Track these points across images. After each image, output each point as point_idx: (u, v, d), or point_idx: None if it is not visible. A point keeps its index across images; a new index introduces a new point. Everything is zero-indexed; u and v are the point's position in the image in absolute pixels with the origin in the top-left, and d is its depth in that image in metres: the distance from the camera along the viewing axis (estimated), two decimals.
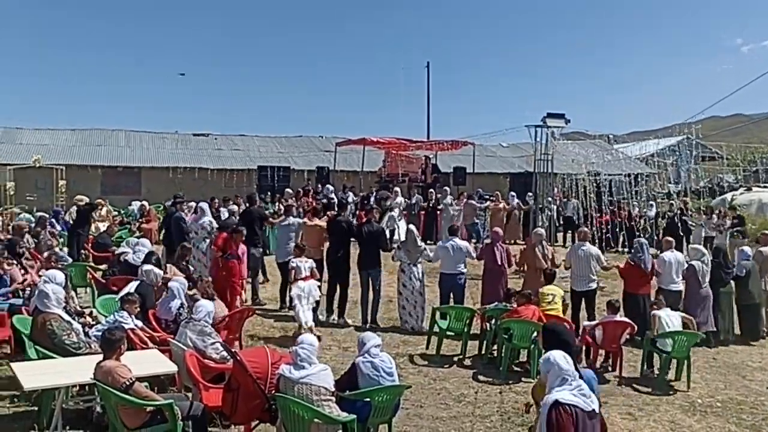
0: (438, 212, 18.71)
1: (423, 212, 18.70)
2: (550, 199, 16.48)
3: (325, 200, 16.82)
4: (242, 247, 9.82)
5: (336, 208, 11.72)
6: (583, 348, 8.32)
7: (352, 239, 10.36)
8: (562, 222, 18.72)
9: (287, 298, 10.15)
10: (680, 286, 9.66)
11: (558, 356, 4.30)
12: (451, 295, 9.78)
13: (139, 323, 6.85)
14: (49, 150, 26.08)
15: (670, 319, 8.15)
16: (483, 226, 18.16)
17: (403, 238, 10.63)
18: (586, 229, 11.36)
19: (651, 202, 17.78)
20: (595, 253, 9.70)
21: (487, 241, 12.22)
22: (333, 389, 5.02)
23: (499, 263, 9.91)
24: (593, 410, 4.08)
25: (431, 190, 19.85)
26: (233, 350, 5.63)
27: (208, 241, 11.25)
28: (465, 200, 18.89)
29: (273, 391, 5.01)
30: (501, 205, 19.04)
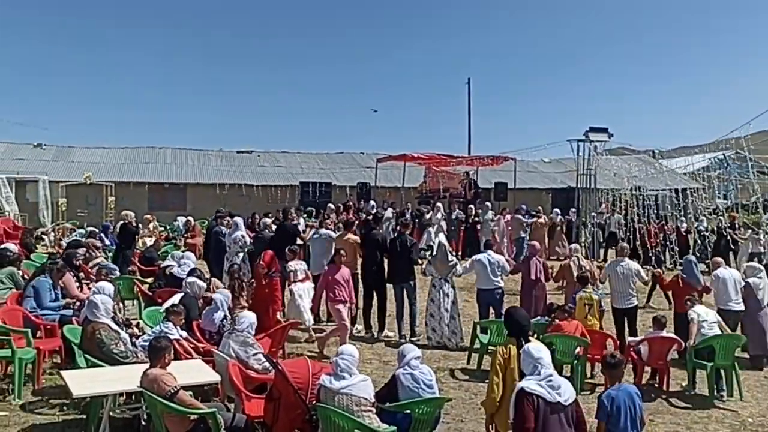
0: (478, 228, 18.65)
1: (462, 228, 18.65)
2: (594, 214, 16.23)
3: (366, 216, 16.92)
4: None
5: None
6: (630, 364, 8.16)
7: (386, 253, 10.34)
8: (604, 237, 18.45)
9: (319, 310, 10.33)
10: (740, 305, 9.08)
11: (533, 346, 4.65)
12: (491, 310, 9.68)
13: (184, 333, 7.00)
14: (99, 168, 26.88)
15: (707, 315, 7.94)
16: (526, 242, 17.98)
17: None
18: (625, 244, 11.09)
19: (702, 217, 17.31)
20: (635, 269, 9.38)
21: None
22: (373, 400, 5.04)
23: (534, 277, 9.83)
24: (558, 402, 4.28)
25: (470, 205, 19.80)
26: (275, 361, 5.69)
27: (241, 255, 11.42)
28: (510, 215, 18.80)
29: (314, 402, 5.05)
30: (542, 220, 18.87)
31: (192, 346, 6.92)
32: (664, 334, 8.05)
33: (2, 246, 10.46)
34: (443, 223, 17.93)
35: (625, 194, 16.53)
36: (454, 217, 19.26)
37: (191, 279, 8.29)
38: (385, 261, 10.34)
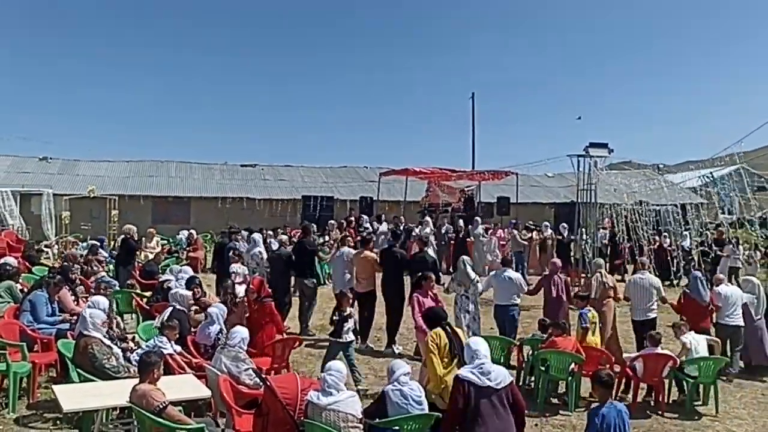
0: (468, 243, 18.70)
1: (453, 242, 18.68)
2: (592, 230, 16.22)
3: (363, 231, 17.00)
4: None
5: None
6: (623, 381, 8.16)
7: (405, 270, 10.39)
8: (605, 252, 18.46)
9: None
10: (738, 320, 9.43)
11: (473, 340, 5.41)
12: (505, 326, 9.64)
13: (178, 348, 7.03)
14: (103, 181, 27.06)
15: (698, 342, 8.05)
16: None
17: None
18: (645, 258, 11.17)
19: (685, 233, 17.41)
20: (656, 283, 9.58)
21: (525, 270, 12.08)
22: (361, 416, 5.05)
23: (555, 294, 9.82)
24: (489, 387, 4.89)
25: (460, 220, 19.89)
26: (264, 376, 5.71)
27: (258, 271, 11.47)
28: (501, 230, 18.86)
29: (302, 418, 5.06)
30: (533, 235, 18.92)
31: (185, 360, 6.95)
32: (659, 350, 8.04)
33: (2, 260, 10.54)
34: (432, 238, 17.94)
35: (626, 209, 16.53)
36: (443, 231, 19.28)
37: (174, 290, 8.41)
38: (404, 277, 10.37)
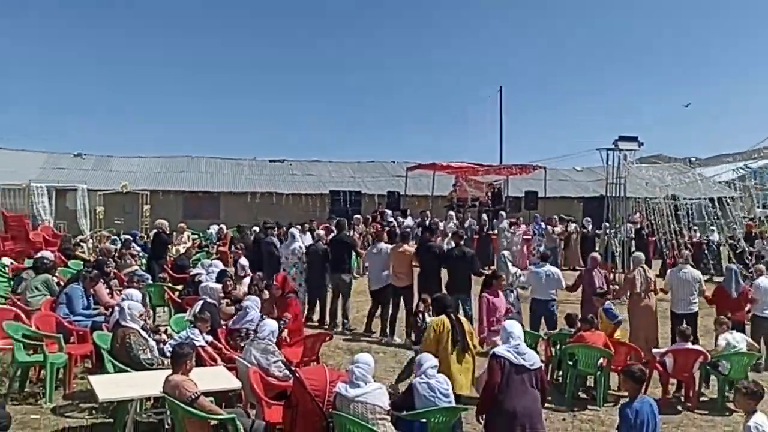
0: (492, 237, 18.64)
1: (476, 237, 18.63)
2: (621, 224, 16.05)
3: (388, 227, 17.04)
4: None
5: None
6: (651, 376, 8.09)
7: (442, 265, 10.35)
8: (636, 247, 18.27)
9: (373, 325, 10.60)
10: None
11: (508, 323, 5.73)
12: (543, 321, 9.69)
13: (209, 338, 7.17)
14: (136, 176, 27.46)
15: (737, 342, 7.94)
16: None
17: None
18: (687, 251, 11.08)
19: (712, 227, 17.13)
20: (697, 277, 9.59)
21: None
22: (388, 408, 5.11)
23: (600, 287, 9.76)
24: (522, 365, 5.26)
25: (483, 215, 19.80)
26: (293, 368, 5.80)
27: (297, 266, 11.55)
28: (525, 225, 18.77)
29: (330, 409, 5.14)
30: (558, 229, 18.80)
31: (216, 352, 7.09)
32: (689, 346, 7.96)
33: (39, 254, 10.83)
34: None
35: (658, 203, 16.32)
36: (467, 225, 19.22)
37: (205, 284, 8.55)
38: (443, 272, 10.35)
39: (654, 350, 8.44)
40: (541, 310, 9.71)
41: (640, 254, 10.63)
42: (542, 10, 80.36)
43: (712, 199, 16.31)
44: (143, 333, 6.79)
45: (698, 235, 17.10)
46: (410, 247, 10.68)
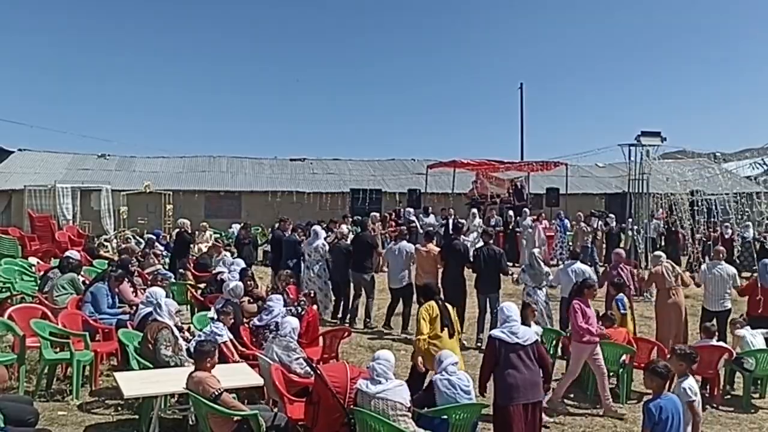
0: (517, 234, 18.55)
1: (501, 234, 18.56)
2: (646, 221, 15.89)
3: (406, 225, 17.02)
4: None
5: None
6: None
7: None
8: (660, 243, 18.13)
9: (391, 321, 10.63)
10: None
11: (506, 305, 6.08)
12: None
13: (231, 336, 7.24)
14: (158, 176, 27.78)
15: (754, 338, 7.84)
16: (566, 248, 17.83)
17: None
18: (721, 247, 10.95)
19: (747, 223, 16.86)
20: (732, 273, 9.48)
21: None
22: (409, 404, 5.13)
23: (626, 285, 9.64)
24: (516, 343, 5.67)
25: (510, 212, 19.71)
26: (315, 365, 5.84)
27: (321, 263, 11.58)
28: (546, 222, 18.64)
29: (352, 405, 5.17)
30: (583, 226, 18.65)
31: (239, 351, 7.15)
32: (713, 343, 7.87)
33: (66, 254, 11.01)
34: (480, 229, 17.86)
35: (681, 199, 16.13)
36: (492, 223, 19.15)
37: (228, 283, 8.63)
38: (466, 271, 10.28)
39: (677, 346, 8.34)
40: None
41: (660, 252, 10.54)
42: (563, 4, 79.70)
43: (736, 195, 16.09)
44: (176, 331, 6.91)
45: (730, 231, 16.81)
46: (434, 247, 10.64)
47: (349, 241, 12.14)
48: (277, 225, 14.11)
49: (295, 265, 11.84)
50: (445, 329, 6.93)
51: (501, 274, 10.14)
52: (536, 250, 10.63)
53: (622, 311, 8.47)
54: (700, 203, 15.88)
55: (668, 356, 6.14)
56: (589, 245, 17.18)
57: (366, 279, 11.07)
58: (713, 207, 16.07)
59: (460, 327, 9.97)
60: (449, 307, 7.25)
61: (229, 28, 77.46)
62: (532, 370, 5.69)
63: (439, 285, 10.17)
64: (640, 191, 15.00)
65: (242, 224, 17.38)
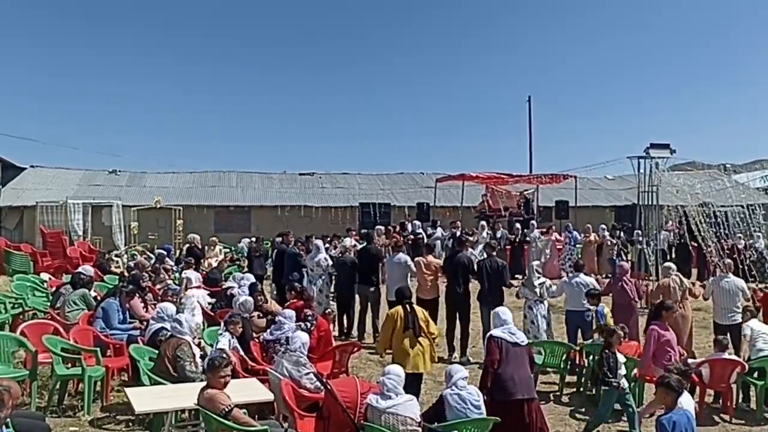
0: (524, 247, 18.52)
1: (509, 246, 18.53)
2: (654, 232, 15.82)
3: (412, 237, 17.01)
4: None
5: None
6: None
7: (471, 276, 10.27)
8: (670, 255, 18.03)
9: None
10: None
11: (500, 310, 6.64)
12: (579, 332, 9.50)
13: (236, 344, 7.26)
14: (168, 192, 27.95)
15: (762, 329, 7.81)
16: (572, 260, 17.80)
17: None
18: (729, 260, 10.89)
19: (758, 234, 16.77)
20: (741, 286, 9.41)
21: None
22: (419, 419, 5.12)
23: (631, 297, 9.66)
24: (516, 342, 6.18)
25: (517, 224, 19.71)
26: (325, 380, 5.84)
27: (324, 278, 11.57)
28: (557, 234, 18.61)
29: (362, 421, 5.17)
30: (591, 238, 18.63)
31: (244, 363, 7.16)
32: (726, 356, 7.81)
33: (80, 268, 11.09)
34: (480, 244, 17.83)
35: (690, 211, 16.05)
36: (499, 236, 19.13)
37: (237, 298, 8.66)
38: (470, 284, 10.25)
39: (690, 360, 8.30)
40: (577, 320, 9.54)
41: (670, 263, 10.49)
42: (571, 19, 79.98)
43: (747, 206, 15.98)
44: (194, 347, 6.94)
45: (742, 242, 16.70)
46: (435, 259, 10.63)
47: (353, 255, 12.13)
48: (279, 239, 14.14)
49: (298, 280, 11.79)
50: (408, 330, 7.35)
51: (503, 287, 10.11)
52: (535, 263, 10.62)
53: (601, 322, 8.51)
54: (711, 215, 15.80)
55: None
56: (615, 258, 17.16)
57: (372, 292, 11.06)
58: (724, 219, 15.98)
59: (465, 341, 10.03)
60: (417, 309, 7.67)
61: (239, 48, 78.17)
62: (527, 369, 6.17)
63: (443, 298, 10.25)
64: (650, 203, 14.91)
65: (255, 238, 17.49)
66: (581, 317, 9.50)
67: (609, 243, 18.42)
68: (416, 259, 10.89)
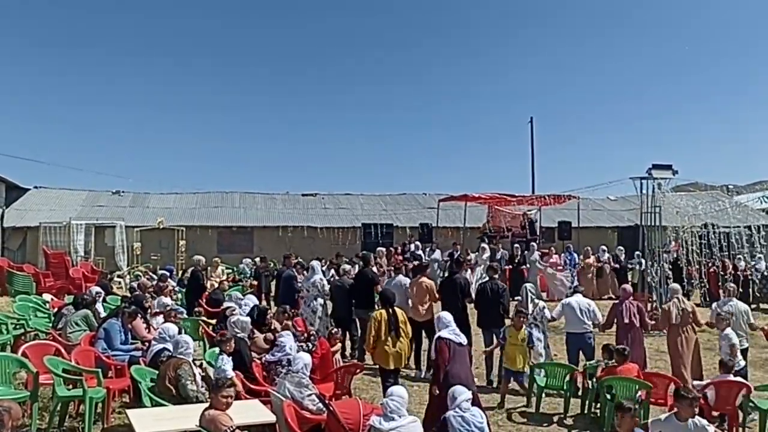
0: (522, 269, 18.51)
1: (508, 268, 18.50)
2: (657, 253, 15.82)
3: (416, 261, 16.96)
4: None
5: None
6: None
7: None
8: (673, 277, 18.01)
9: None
10: None
11: (443, 314, 7.47)
12: (581, 354, 9.47)
13: (228, 360, 7.24)
14: (172, 212, 27.99)
15: (736, 309, 7.92)
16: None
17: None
18: (732, 284, 10.86)
19: (760, 256, 16.77)
20: (744, 309, 9.44)
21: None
22: None
23: (627, 321, 9.58)
24: (460, 343, 7.06)
25: (516, 245, 19.69)
26: (327, 402, 5.82)
27: (320, 299, 11.51)
28: (557, 256, 18.61)
29: None
30: (591, 260, 18.61)
31: (244, 385, 7.14)
32: (731, 377, 7.76)
33: (91, 288, 11.10)
34: (480, 266, 17.81)
35: (693, 232, 16.05)
36: (499, 257, 19.09)
37: (234, 318, 8.66)
38: (468, 306, 10.15)
39: (695, 382, 8.25)
40: (578, 342, 9.51)
41: (677, 285, 10.43)
42: (572, 39, 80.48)
43: (749, 227, 16.00)
44: (195, 367, 6.93)
45: (743, 264, 16.70)
46: (428, 280, 10.54)
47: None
48: (282, 261, 14.18)
49: (292, 301, 11.79)
50: (391, 332, 8.33)
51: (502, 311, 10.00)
52: (529, 285, 10.62)
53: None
54: (712, 236, 15.81)
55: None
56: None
57: (369, 315, 10.93)
58: (725, 240, 16.00)
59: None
60: (398, 312, 8.56)
61: (243, 69, 78.77)
62: (469, 366, 7.17)
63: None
64: (653, 224, 14.93)
65: (260, 257, 17.55)
66: (582, 339, 9.47)
67: (608, 267, 18.48)
68: (411, 281, 10.78)
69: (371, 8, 79.43)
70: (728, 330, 8.51)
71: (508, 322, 9.60)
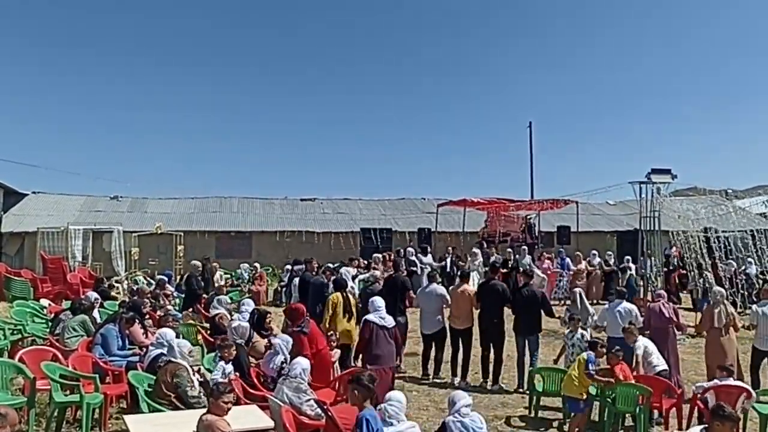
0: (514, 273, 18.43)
1: (502, 272, 18.39)
2: (657, 258, 15.80)
3: (413, 269, 16.83)
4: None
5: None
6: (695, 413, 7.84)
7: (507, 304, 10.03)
8: (670, 282, 18.02)
9: (428, 367, 10.34)
10: None
11: (376, 299, 8.58)
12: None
13: (230, 367, 7.19)
14: (170, 218, 27.96)
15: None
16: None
17: None
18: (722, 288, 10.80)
19: (749, 260, 16.77)
20: None
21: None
22: None
23: (667, 316, 9.56)
24: (384, 326, 8.15)
25: (509, 249, 19.61)
26: (325, 407, 5.78)
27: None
28: (549, 260, 18.55)
29: None
30: (582, 266, 18.58)
31: (244, 391, 7.08)
32: (731, 382, 7.71)
33: (87, 294, 11.04)
34: (481, 269, 17.71)
35: (692, 236, 16.02)
36: (492, 261, 18.99)
37: (234, 323, 8.62)
38: (505, 312, 10.01)
39: (695, 385, 8.20)
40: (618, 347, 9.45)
41: (720, 289, 10.27)
42: (571, 44, 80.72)
43: (749, 231, 15.99)
44: (191, 371, 6.88)
45: (733, 268, 16.69)
46: (471, 288, 10.37)
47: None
48: (300, 266, 13.78)
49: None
50: (347, 314, 9.55)
51: (541, 316, 9.86)
52: (579, 290, 10.66)
53: (591, 370, 7.69)
54: (712, 240, 15.80)
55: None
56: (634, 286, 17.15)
57: (399, 321, 10.71)
58: (728, 244, 15.99)
59: (499, 368, 9.87)
60: (349, 295, 9.87)
61: (240, 74, 78.84)
62: (392, 346, 8.22)
63: (475, 327, 10.11)
64: (652, 228, 14.91)
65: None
66: (623, 344, 9.34)
67: (598, 271, 18.50)
68: (450, 287, 10.74)
69: (372, 13, 79.63)
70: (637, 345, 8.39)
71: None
